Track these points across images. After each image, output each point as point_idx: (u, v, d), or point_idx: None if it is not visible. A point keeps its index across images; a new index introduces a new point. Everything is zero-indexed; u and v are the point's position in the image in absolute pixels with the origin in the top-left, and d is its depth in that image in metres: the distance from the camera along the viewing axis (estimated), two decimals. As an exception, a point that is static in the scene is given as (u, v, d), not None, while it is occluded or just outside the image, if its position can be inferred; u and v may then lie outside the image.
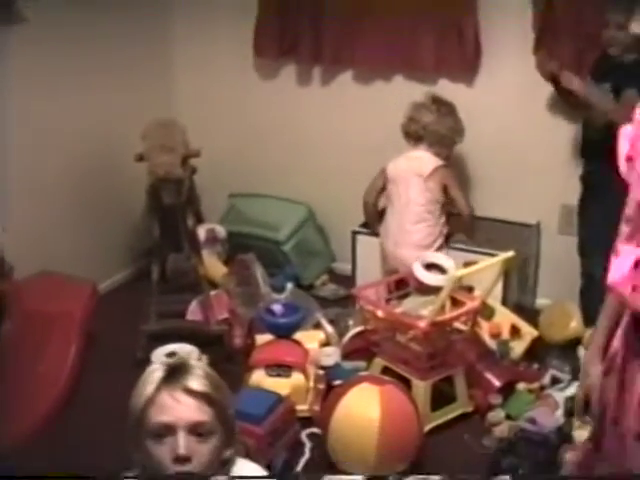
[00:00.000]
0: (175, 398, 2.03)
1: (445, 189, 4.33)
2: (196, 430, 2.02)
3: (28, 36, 4.06)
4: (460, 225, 4.41)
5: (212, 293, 4.38)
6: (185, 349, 3.94)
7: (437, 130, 4.29)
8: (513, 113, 4.41)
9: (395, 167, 4.39)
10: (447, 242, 4.36)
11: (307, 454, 3.49)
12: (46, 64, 4.25)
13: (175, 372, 2.07)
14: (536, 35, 4.20)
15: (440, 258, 3.93)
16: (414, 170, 4.30)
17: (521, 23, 4.22)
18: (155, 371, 2.09)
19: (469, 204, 4.37)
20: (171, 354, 3.88)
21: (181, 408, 2.02)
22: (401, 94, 4.61)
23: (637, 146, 2.08)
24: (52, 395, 3.78)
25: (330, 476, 3.20)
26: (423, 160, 4.32)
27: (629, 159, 2.12)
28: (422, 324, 3.45)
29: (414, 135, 4.35)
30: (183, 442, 2.00)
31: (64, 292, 4.07)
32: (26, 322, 3.79)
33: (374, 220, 4.52)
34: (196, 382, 2.05)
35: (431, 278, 3.78)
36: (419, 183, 4.28)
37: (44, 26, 4.15)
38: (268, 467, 3.26)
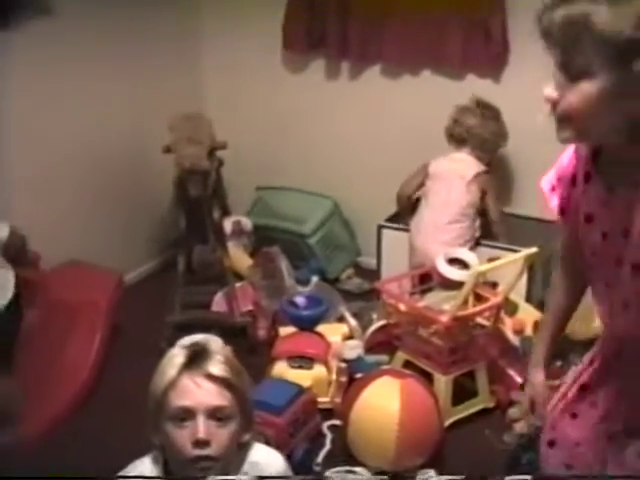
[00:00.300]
0: (196, 383, 2.06)
1: (483, 195, 4.36)
2: (215, 415, 2.06)
3: (57, 28, 4.07)
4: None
5: (237, 285, 4.41)
6: (209, 340, 3.97)
7: (480, 134, 4.32)
8: (539, 109, 4.39)
9: (438, 165, 4.42)
10: (477, 245, 4.37)
11: (328, 446, 3.51)
12: (75, 56, 4.28)
13: (196, 357, 2.10)
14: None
15: (463, 253, 3.94)
16: (457, 172, 4.33)
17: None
18: (176, 355, 2.12)
19: (502, 213, 4.40)
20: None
21: (201, 393, 2.06)
22: (428, 90, 4.63)
23: (562, 179, 2.12)
24: (76, 384, 3.82)
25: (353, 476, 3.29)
26: (467, 163, 4.35)
27: (552, 189, 2.17)
28: (444, 318, 3.46)
29: (457, 138, 4.38)
30: (203, 426, 2.03)
31: (90, 282, 4.12)
32: (52, 311, 3.83)
33: (406, 213, 4.54)
34: (217, 367, 2.08)
35: (454, 273, 3.79)
36: (460, 185, 4.31)
37: (73, 18, 4.16)
38: (288, 457, 3.28)
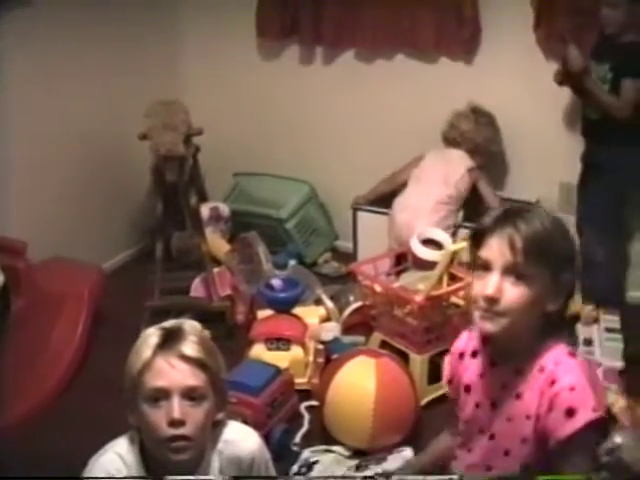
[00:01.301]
0: (170, 363, 2.08)
1: (474, 186, 4.47)
2: (190, 395, 2.08)
3: (36, 18, 4.12)
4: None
5: (215, 270, 4.44)
6: (183, 322, 4.01)
7: (473, 139, 4.45)
8: (513, 91, 4.44)
9: (432, 157, 4.53)
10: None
11: (306, 426, 3.55)
12: (51, 46, 4.29)
13: (170, 338, 2.12)
14: (535, 12, 4.23)
15: (437, 233, 4.00)
16: (450, 164, 4.45)
17: (521, 1, 4.25)
18: (151, 336, 2.13)
19: (498, 198, 4.46)
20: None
21: (176, 373, 2.07)
22: (402, 73, 4.68)
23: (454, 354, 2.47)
24: (60, 369, 3.88)
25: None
26: (459, 158, 4.46)
27: (449, 382, 2.49)
28: (418, 298, 3.51)
29: (452, 141, 4.51)
30: (177, 406, 2.06)
31: (73, 275, 4.17)
32: (37, 301, 3.87)
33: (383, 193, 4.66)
34: (190, 348, 2.10)
35: (427, 253, 3.85)
36: (452, 175, 4.42)
37: (52, 8, 4.20)
38: (266, 438, 3.32)
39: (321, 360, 3.83)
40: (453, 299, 3.72)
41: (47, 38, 4.25)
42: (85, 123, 4.59)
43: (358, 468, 3.24)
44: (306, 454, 3.36)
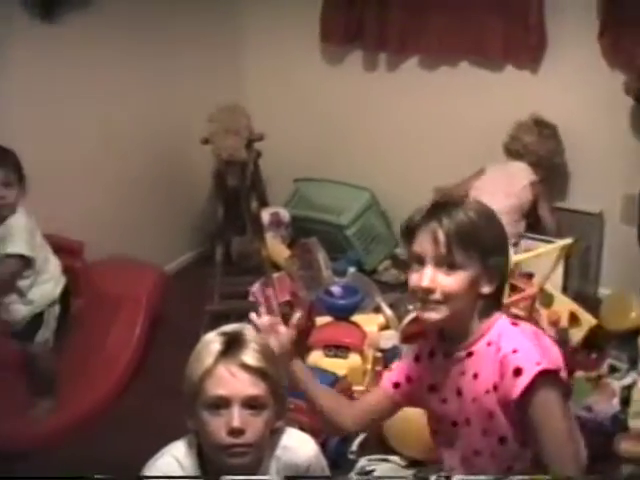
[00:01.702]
0: (231, 372, 2.08)
1: (535, 201, 4.44)
2: (250, 403, 2.08)
3: (96, 20, 4.16)
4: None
5: (275, 275, 4.43)
6: (244, 328, 4.02)
7: (536, 151, 4.41)
8: (577, 101, 4.39)
9: (494, 170, 4.49)
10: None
11: (363, 434, 3.53)
12: (115, 47, 4.33)
13: (231, 345, 2.12)
14: (600, 21, 4.18)
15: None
16: (512, 178, 4.42)
17: (587, 10, 4.19)
18: (212, 342, 2.14)
19: (556, 224, 4.43)
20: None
21: (237, 382, 2.08)
22: (466, 81, 4.64)
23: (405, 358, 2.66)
24: (117, 370, 3.90)
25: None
26: (521, 171, 4.43)
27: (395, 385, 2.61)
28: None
29: (514, 153, 4.48)
30: (237, 415, 2.06)
31: (132, 276, 4.19)
32: (95, 302, 3.91)
33: None
34: (252, 357, 2.10)
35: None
36: (514, 188, 4.38)
37: (113, 10, 4.24)
38: (323, 446, 3.31)
39: (379, 368, 3.80)
40: (513, 310, 3.67)
41: (107, 41, 4.28)
42: (148, 126, 4.63)
43: (415, 478, 3.21)
44: (362, 463, 3.34)
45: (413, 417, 3.23)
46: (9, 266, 3.48)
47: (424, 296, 2.27)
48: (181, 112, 4.79)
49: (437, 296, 2.25)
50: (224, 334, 2.16)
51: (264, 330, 2.38)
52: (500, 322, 2.33)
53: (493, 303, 2.35)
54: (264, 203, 4.95)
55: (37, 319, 3.61)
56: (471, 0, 4.49)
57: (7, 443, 3.26)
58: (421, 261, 2.27)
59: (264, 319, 2.42)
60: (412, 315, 4.05)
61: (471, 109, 4.65)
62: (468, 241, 2.24)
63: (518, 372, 2.18)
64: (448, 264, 2.24)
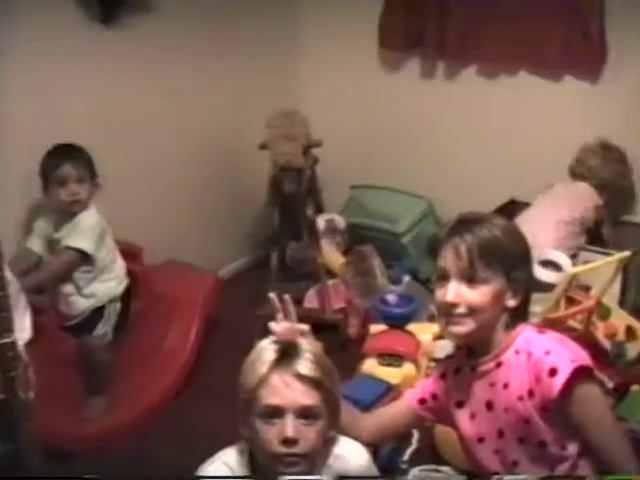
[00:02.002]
0: (286, 382, 2.09)
1: (598, 224, 4.42)
2: (304, 413, 2.08)
3: (155, 25, 4.20)
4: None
5: (330, 282, 4.44)
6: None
7: (601, 175, 4.37)
8: (637, 111, 4.34)
9: (559, 187, 4.47)
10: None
11: (414, 444, 3.51)
12: (173, 52, 4.36)
13: (286, 353, 2.12)
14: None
15: (556, 255, 3.92)
16: (576, 196, 4.39)
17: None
18: (266, 351, 2.14)
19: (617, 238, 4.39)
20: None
21: (291, 392, 2.08)
22: (524, 90, 4.60)
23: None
24: (172, 373, 3.94)
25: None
26: (586, 191, 4.40)
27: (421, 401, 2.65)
28: (535, 320, 3.43)
29: (579, 176, 4.44)
30: (291, 425, 2.07)
31: (190, 281, 4.23)
32: (153, 305, 3.96)
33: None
34: (306, 367, 2.10)
35: (545, 274, 3.77)
36: (576, 206, 4.35)
37: (172, 14, 4.28)
38: (374, 454, 3.30)
39: (433, 378, 3.79)
40: (570, 322, 3.63)
41: (166, 46, 4.32)
42: (206, 131, 4.66)
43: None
44: (414, 472, 3.32)
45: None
46: (65, 257, 3.60)
47: (449, 310, 2.31)
48: (238, 117, 4.80)
49: (462, 310, 2.29)
50: (278, 342, 2.16)
51: (282, 336, 2.40)
52: (526, 331, 2.37)
53: (519, 315, 2.39)
54: (320, 209, 4.95)
55: (97, 313, 3.71)
56: (530, 9, 4.46)
57: (58, 441, 3.28)
58: (446, 276, 2.32)
59: (282, 325, 2.44)
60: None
61: (529, 119, 4.62)
62: (491, 256, 2.28)
63: (553, 372, 2.20)
64: (471, 278, 2.28)
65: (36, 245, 3.68)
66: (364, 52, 5.04)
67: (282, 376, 2.08)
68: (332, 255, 4.79)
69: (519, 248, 2.38)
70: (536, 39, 4.48)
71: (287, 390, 2.08)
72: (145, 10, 4.15)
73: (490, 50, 4.64)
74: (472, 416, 2.47)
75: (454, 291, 2.29)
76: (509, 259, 2.31)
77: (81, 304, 3.69)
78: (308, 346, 2.17)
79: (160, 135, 4.40)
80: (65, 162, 3.55)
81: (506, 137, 4.68)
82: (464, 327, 2.31)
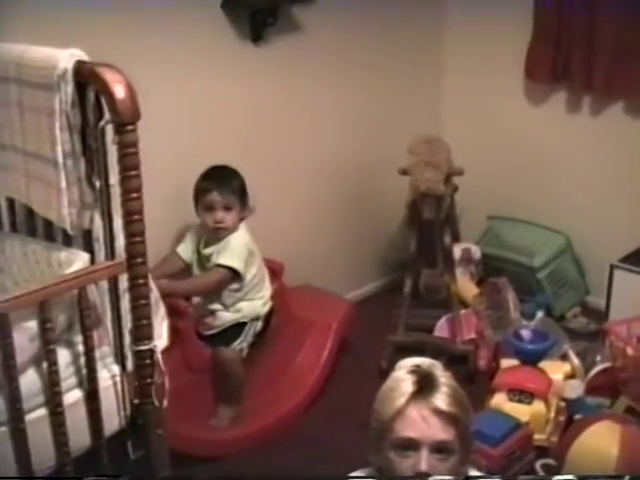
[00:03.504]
0: (423, 416, 2.07)
1: None
2: (438, 448, 2.07)
3: (301, 47, 4.29)
4: None
5: (462, 312, 4.41)
6: (435, 367, 4.01)
7: None
8: None
9: None
10: None
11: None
12: (318, 75, 4.42)
13: (424, 386, 2.11)
14: None
15: None
16: None
17: None
18: (404, 381, 2.13)
19: None
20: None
21: (428, 426, 2.07)
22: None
23: None
24: (301, 393, 3.99)
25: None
26: None
27: None
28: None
29: None
30: (426, 459, 2.05)
31: (325, 304, 4.31)
32: (289, 324, 4.06)
33: None
34: (444, 401, 2.08)
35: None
36: None
37: (318, 38, 4.34)
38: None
39: (562, 418, 3.72)
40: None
41: (311, 67, 4.38)
42: (347, 154, 4.67)
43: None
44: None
45: (592, 471, 3.16)
46: (216, 275, 3.72)
47: None
48: (379, 142, 4.81)
49: None
50: (415, 373, 2.15)
51: None
52: None
53: None
54: (456, 238, 4.92)
55: (238, 328, 3.80)
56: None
57: (185, 446, 3.36)
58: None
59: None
60: (600, 367, 3.96)
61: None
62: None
63: None
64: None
65: (185, 252, 3.80)
66: (510, 83, 4.98)
67: (419, 409, 2.07)
68: (466, 285, 4.75)
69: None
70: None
71: (424, 424, 2.06)
72: (295, 30, 4.22)
73: (638, 86, 4.52)
74: None
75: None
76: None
77: (225, 318, 3.79)
78: (445, 379, 2.15)
79: (301, 154, 4.45)
80: (214, 189, 3.66)
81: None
82: None
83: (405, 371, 2.17)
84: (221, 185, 3.67)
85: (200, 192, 3.69)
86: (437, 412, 2.07)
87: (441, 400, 2.08)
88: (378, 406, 2.15)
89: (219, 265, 3.69)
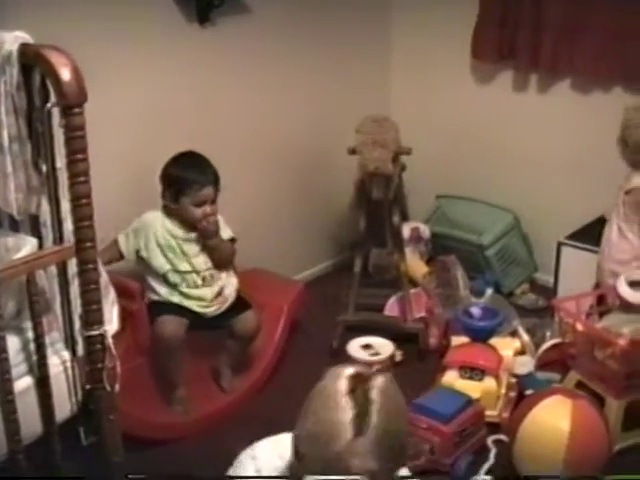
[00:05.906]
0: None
1: None
2: None
3: (249, 27, 4.26)
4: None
5: (411, 291, 4.43)
6: (380, 342, 4.04)
7: None
8: None
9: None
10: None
11: (491, 460, 3.49)
12: (268, 52, 4.40)
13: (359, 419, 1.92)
14: None
15: (645, 276, 3.84)
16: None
17: None
18: (342, 410, 1.94)
19: None
20: (366, 346, 3.99)
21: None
22: (618, 106, 4.51)
23: None
24: (254, 375, 4.02)
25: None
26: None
27: None
28: (622, 342, 3.38)
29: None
30: None
31: (276, 287, 4.30)
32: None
33: None
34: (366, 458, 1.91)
35: (635, 296, 3.70)
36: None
37: (266, 18, 4.32)
38: (451, 467, 3.30)
39: (513, 394, 3.76)
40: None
41: (260, 46, 4.36)
42: (295, 134, 4.68)
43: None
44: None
45: (544, 446, 3.20)
46: (230, 248, 3.84)
47: None
48: (327, 122, 4.82)
49: None
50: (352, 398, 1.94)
51: None
52: None
53: None
54: (405, 217, 4.94)
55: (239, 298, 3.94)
56: (627, 23, 4.36)
57: (138, 430, 3.36)
58: None
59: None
60: (550, 342, 4.00)
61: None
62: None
63: None
64: None
65: (125, 247, 3.75)
66: (456, 62, 5.00)
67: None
68: (415, 264, 4.77)
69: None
70: (633, 55, 4.38)
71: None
72: (241, 12, 4.19)
73: (585, 63, 4.54)
74: None
75: None
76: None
77: (231, 287, 3.90)
78: (378, 416, 1.92)
79: (249, 135, 4.43)
80: (209, 184, 3.66)
81: (598, 153, 4.60)
82: None
83: (343, 392, 1.95)
84: (212, 180, 3.68)
85: (189, 185, 3.62)
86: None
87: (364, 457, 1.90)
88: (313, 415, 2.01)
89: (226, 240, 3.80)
